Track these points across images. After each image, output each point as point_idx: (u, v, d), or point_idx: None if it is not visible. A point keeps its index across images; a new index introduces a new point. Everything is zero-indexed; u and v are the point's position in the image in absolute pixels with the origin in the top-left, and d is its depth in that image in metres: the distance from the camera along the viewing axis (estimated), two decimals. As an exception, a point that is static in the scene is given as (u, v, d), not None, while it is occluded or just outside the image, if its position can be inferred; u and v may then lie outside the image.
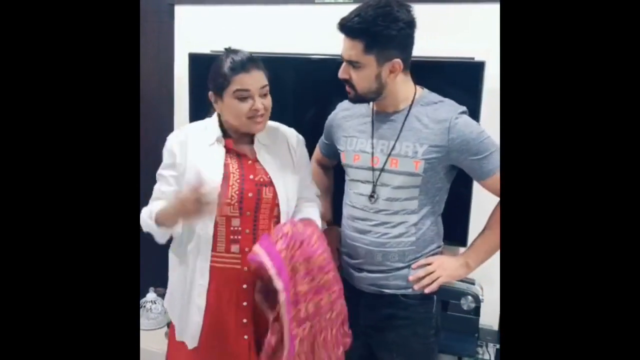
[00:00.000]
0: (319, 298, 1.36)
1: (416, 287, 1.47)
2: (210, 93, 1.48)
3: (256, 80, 1.41)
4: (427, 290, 1.47)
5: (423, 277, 1.47)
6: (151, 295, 2.55)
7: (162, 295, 2.59)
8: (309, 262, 1.34)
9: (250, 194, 1.45)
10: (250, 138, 1.51)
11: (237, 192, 1.43)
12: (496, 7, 1.92)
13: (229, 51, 1.46)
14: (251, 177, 1.47)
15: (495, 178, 1.39)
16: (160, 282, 2.65)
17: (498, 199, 1.43)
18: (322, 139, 1.70)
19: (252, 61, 1.42)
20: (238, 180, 1.45)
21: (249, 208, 1.45)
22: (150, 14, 2.46)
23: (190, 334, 1.49)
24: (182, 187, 1.44)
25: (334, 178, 1.78)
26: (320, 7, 2.19)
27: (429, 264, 1.48)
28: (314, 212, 1.56)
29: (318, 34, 2.19)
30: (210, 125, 1.51)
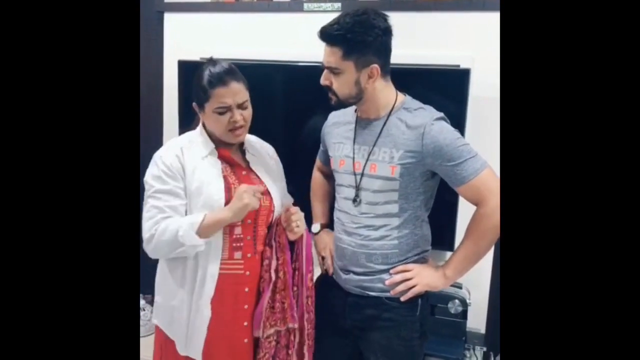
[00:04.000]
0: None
1: (392, 292, 1.49)
2: (194, 104, 1.51)
3: (235, 93, 1.44)
4: (402, 298, 1.49)
5: (399, 283, 1.49)
6: (140, 302, 2.55)
7: (151, 302, 2.58)
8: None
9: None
10: (239, 147, 1.56)
11: None
12: (481, 16, 1.97)
13: (209, 62, 1.48)
14: None
15: (470, 185, 1.40)
16: (150, 289, 2.65)
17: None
18: (321, 146, 1.74)
19: (231, 74, 1.45)
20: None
21: (250, 217, 1.48)
22: (140, 21, 2.47)
23: (197, 347, 1.48)
24: (191, 200, 1.44)
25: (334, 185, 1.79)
26: (309, 15, 2.21)
27: (407, 271, 1.49)
28: None
29: (307, 42, 2.22)
30: (198, 138, 1.52)
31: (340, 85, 1.43)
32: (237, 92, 1.44)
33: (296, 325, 1.54)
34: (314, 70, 2.03)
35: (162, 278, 1.55)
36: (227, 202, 1.44)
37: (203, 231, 1.39)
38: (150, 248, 1.44)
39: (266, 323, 1.51)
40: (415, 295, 1.49)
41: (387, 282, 1.49)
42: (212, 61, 1.48)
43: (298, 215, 1.52)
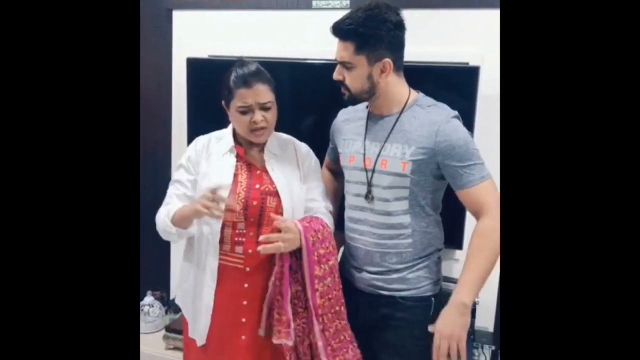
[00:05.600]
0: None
1: None
2: (223, 102, 1.55)
3: (257, 95, 1.47)
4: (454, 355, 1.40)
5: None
6: (149, 298, 2.55)
7: (159, 299, 2.60)
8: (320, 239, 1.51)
9: (254, 202, 1.50)
10: (261, 146, 1.58)
11: (242, 200, 1.50)
12: (490, 13, 1.96)
13: (238, 63, 1.52)
14: (257, 186, 1.52)
15: (473, 191, 1.39)
16: (158, 286, 2.66)
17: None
18: (330, 144, 1.74)
19: (256, 75, 1.48)
20: (245, 189, 1.51)
21: (253, 215, 1.50)
22: (149, 18, 2.47)
23: (199, 332, 1.55)
24: (196, 191, 1.53)
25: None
26: (317, 12, 2.20)
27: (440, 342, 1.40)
28: (327, 219, 1.58)
29: (315, 39, 2.22)
30: (225, 135, 1.59)
31: (353, 80, 1.44)
32: (260, 93, 1.47)
33: (290, 343, 1.46)
34: (322, 68, 2.02)
35: (182, 262, 1.65)
36: (229, 199, 1.47)
37: (175, 220, 1.49)
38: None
39: (268, 324, 1.51)
40: (429, 295, 1.48)
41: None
42: (241, 62, 1.52)
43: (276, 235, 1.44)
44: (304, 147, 1.66)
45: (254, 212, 1.50)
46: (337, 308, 1.51)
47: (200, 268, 1.53)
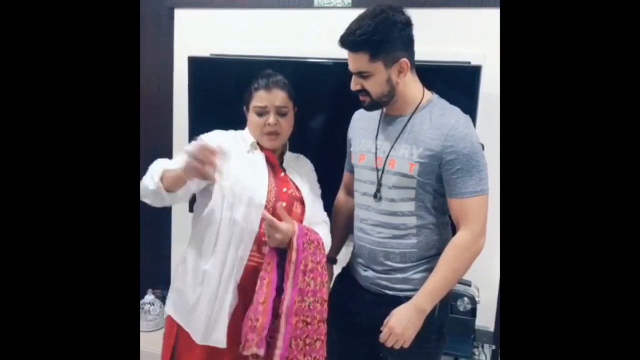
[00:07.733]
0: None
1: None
2: (244, 107, 1.60)
3: (275, 98, 1.53)
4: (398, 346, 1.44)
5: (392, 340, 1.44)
6: (149, 297, 2.56)
7: (160, 297, 2.60)
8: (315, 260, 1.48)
9: (283, 204, 1.50)
10: (279, 154, 1.62)
11: (273, 198, 1.50)
12: (492, 12, 1.95)
13: (264, 71, 1.59)
14: (285, 189, 1.54)
15: (460, 202, 1.40)
16: (158, 284, 2.66)
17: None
18: (347, 157, 1.71)
19: (276, 82, 1.55)
20: (275, 188, 1.52)
21: (278, 217, 1.46)
22: (150, 17, 2.48)
23: (218, 337, 1.46)
24: (234, 189, 1.47)
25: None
26: (319, 11, 2.20)
27: (390, 333, 1.43)
28: (324, 233, 1.60)
29: (317, 38, 2.22)
30: (244, 136, 1.59)
31: (372, 86, 1.44)
32: (277, 97, 1.53)
33: (261, 353, 1.38)
34: (324, 67, 2.03)
35: (186, 266, 1.55)
36: (268, 192, 1.48)
37: (167, 179, 1.38)
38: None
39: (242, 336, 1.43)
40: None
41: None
42: (267, 73, 1.57)
43: (269, 227, 1.43)
44: (308, 161, 1.72)
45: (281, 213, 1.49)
46: (311, 340, 1.43)
47: (227, 262, 1.46)
